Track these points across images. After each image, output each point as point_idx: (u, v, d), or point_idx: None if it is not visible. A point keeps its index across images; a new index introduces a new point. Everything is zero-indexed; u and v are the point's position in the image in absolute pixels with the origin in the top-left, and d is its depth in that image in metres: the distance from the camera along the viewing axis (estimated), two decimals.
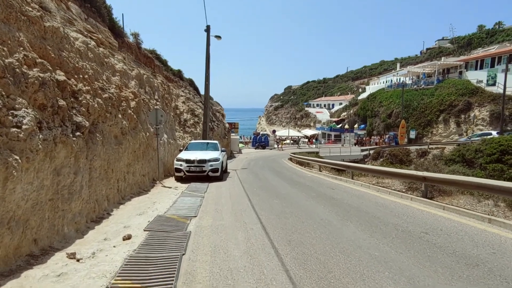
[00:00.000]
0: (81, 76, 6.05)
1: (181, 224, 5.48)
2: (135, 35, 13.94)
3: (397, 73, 51.48)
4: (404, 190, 8.25)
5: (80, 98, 5.65)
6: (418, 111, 38.69)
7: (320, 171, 15.07)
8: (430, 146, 31.07)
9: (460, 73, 38.85)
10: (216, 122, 25.34)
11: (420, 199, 7.09)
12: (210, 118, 23.89)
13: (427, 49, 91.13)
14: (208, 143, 13.77)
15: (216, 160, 11.42)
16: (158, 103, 13.35)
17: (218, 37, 18.41)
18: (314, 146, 43.23)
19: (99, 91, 6.82)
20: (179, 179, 11.46)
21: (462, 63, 38.92)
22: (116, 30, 11.56)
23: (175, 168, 11.26)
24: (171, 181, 11.24)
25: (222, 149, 13.27)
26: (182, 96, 19.71)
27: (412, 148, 32.10)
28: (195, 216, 6.05)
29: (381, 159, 32.69)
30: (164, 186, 9.97)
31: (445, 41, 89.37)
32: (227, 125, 30.69)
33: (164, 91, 15.43)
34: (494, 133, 32.24)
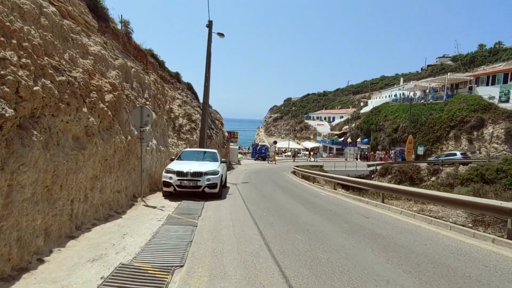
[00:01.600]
0: (13, 40, 3.92)
1: (157, 285, 3.26)
2: (125, 23, 11.94)
3: (403, 87, 49.99)
4: (470, 225, 6.11)
5: (1, 72, 3.50)
6: (426, 126, 36.90)
7: (335, 189, 12.90)
8: (443, 164, 29.12)
9: (470, 88, 37.31)
10: (215, 130, 23.23)
11: (506, 242, 4.94)
12: (209, 125, 21.77)
13: (428, 65, 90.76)
14: (205, 152, 11.60)
15: (214, 173, 9.22)
16: (148, 103, 11.23)
17: (221, 34, 16.49)
18: (313, 159, 41.00)
19: (51, 71, 4.67)
20: (168, 195, 9.23)
21: (472, 78, 37.43)
22: (99, 12, 9.52)
23: (163, 181, 9.04)
24: (157, 198, 9.00)
25: (222, 159, 11.08)
26: (178, 99, 17.63)
27: (423, 164, 30.12)
28: (181, 266, 3.83)
29: (389, 176, 30.67)
30: (147, 206, 7.73)
31: (446, 58, 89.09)
32: (226, 134, 28.58)
33: (157, 90, 13.33)
34: (458, 153, 30.61)
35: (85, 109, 5.56)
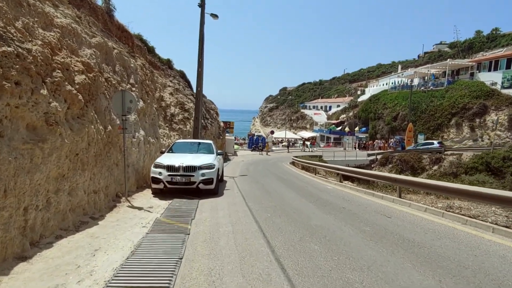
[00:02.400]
0: None
1: None
2: None
3: (402, 74, 48.91)
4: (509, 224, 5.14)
5: None
6: (427, 114, 36.03)
7: (341, 181, 11.92)
8: (445, 152, 28.37)
9: (472, 74, 36.39)
10: (210, 120, 22.05)
11: None
12: (203, 114, 20.58)
13: (425, 53, 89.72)
14: (199, 143, 10.46)
15: (210, 167, 8.13)
16: (134, 89, 10.01)
17: (215, 15, 15.14)
18: (307, 149, 39.96)
19: None
20: (158, 193, 8.15)
21: (473, 64, 36.47)
22: None
23: (152, 177, 7.94)
24: (145, 197, 7.91)
25: (218, 151, 9.95)
26: (169, 86, 16.37)
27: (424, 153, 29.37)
28: None
29: (390, 165, 29.88)
30: (132, 207, 6.64)
31: (444, 45, 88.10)
32: (222, 124, 27.40)
33: (145, 76, 12.08)
34: (436, 142, 30.23)
35: (44, 91, 4.38)
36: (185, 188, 7.88)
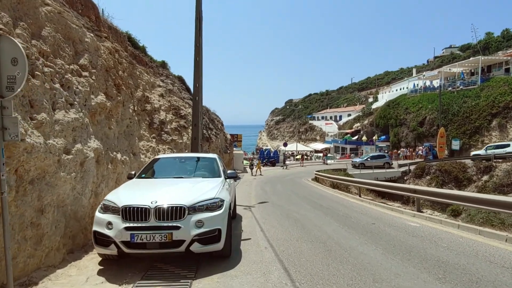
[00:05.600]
0: None
1: None
2: None
3: (423, 75, 44.86)
4: None
5: None
6: (460, 116, 31.65)
7: (420, 210, 7.68)
8: (496, 160, 23.85)
9: (507, 70, 32.19)
10: (215, 131, 18.09)
11: None
12: (206, 124, 16.64)
13: (435, 57, 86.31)
14: (198, 159, 6.31)
15: (213, 206, 4.01)
16: (85, 73, 6.11)
17: None
18: (322, 161, 36.16)
19: None
20: (112, 260, 4.06)
21: (509, 58, 32.33)
22: None
23: (94, 233, 3.84)
24: (82, 273, 3.85)
25: (229, 172, 5.71)
26: (160, 87, 12.53)
27: (468, 161, 24.87)
28: None
29: (428, 177, 25.33)
30: None
31: (454, 48, 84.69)
32: (228, 136, 23.44)
33: (115, 65, 8.25)
34: None
35: None
36: (163, 253, 3.75)
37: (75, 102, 5.27)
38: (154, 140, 9.88)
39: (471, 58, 35.40)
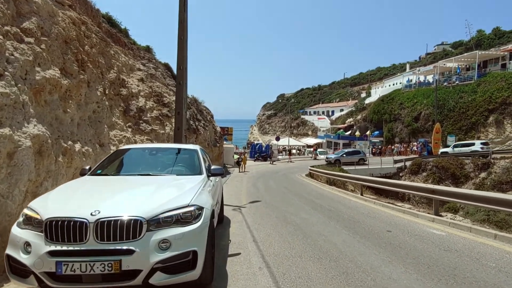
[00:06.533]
0: None
1: None
2: None
3: (418, 70, 44.21)
4: None
5: None
6: (456, 112, 31.06)
7: (439, 214, 6.62)
8: (494, 155, 23.25)
9: (503, 65, 31.66)
10: (203, 122, 16.74)
11: None
12: (193, 114, 15.32)
13: (427, 54, 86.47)
14: (175, 150, 4.95)
15: (186, 218, 2.75)
16: (30, 39, 4.75)
17: None
18: (311, 157, 35.22)
19: None
20: None
21: (506, 53, 31.78)
22: None
23: (8, 257, 2.56)
24: None
25: (213, 168, 4.30)
26: (140, 70, 11.12)
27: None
28: None
29: (424, 173, 24.59)
30: None
31: (446, 45, 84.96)
32: (218, 129, 22.10)
33: (82, 39, 6.87)
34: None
35: None
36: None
37: (7, 73, 3.92)
38: (130, 129, 8.53)
39: (467, 53, 34.73)
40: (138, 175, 3.75)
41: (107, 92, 7.77)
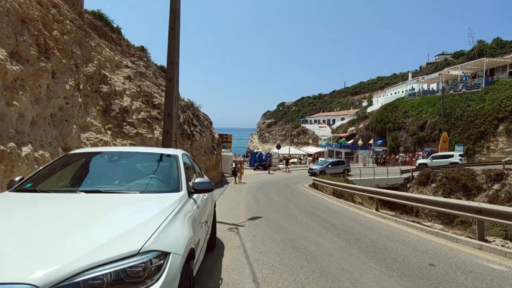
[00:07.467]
0: None
1: None
2: None
3: (423, 78, 43.33)
4: None
5: None
6: (463, 120, 29.92)
7: (485, 239, 5.34)
8: (507, 166, 22.01)
9: (510, 73, 30.69)
10: (200, 128, 15.50)
11: None
12: (189, 119, 14.12)
13: (428, 63, 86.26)
14: (152, 155, 3.38)
15: (134, 276, 1.52)
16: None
17: None
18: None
19: None
20: None
21: None
22: None
23: None
24: None
25: (198, 181, 2.92)
26: (128, 68, 9.94)
27: (477, 168, 23.02)
28: None
29: (433, 185, 23.33)
30: None
31: (447, 55, 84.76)
32: (216, 136, 20.87)
33: (50, 23, 5.69)
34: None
35: None
36: None
37: None
38: (109, 132, 7.27)
39: (473, 61, 33.80)
40: (82, 191, 2.48)
41: (81, 87, 6.56)
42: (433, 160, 26.27)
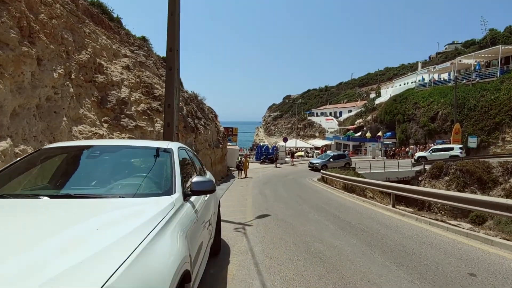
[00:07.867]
0: None
1: None
2: None
3: (434, 68, 42.00)
4: None
5: None
6: (477, 111, 28.82)
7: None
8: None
9: None
10: (204, 120, 14.96)
11: None
12: (193, 111, 13.58)
13: (437, 53, 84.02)
14: (141, 149, 2.84)
15: None
16: None
17: None
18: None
19: None
20: None
21: None
22: None
23: None
24: None
25: (195, 181, 2.39)
26: (127, 57, 9.38)
27: (493, 160, 22.14)
28: None
29: (446, 178, 22.56)
30: None
31: (457, 44, 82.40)
32: (222, 129, 20.33)
33: (36, 5, 5.12)
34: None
35: None
36: None
37: None
38: (105, 125, 6.76)
39: (487, 49, 32.46)
40: (47, 196, 1.94)
41: (73, 76, 6.03)
42: (433, 153, 25.49)
